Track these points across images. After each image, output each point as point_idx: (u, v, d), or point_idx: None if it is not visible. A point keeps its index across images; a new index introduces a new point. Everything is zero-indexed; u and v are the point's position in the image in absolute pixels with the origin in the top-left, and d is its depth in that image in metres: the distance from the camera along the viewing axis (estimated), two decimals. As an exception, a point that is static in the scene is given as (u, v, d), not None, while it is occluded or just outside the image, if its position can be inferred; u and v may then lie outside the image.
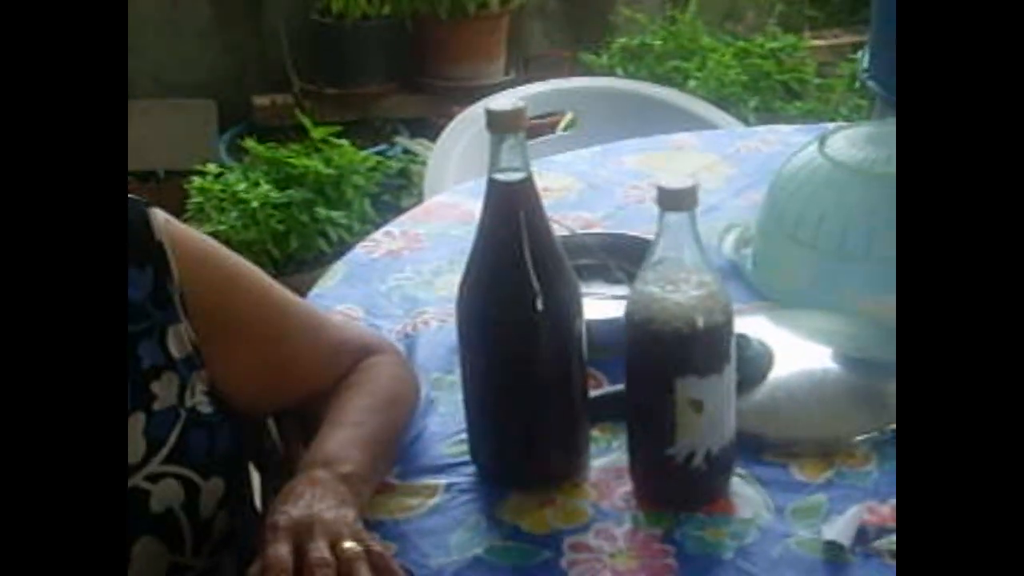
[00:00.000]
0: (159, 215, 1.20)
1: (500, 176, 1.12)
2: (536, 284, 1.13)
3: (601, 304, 1.29)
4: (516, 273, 1.13)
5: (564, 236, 1.41)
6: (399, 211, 2.25)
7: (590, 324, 1.19)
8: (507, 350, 1.17)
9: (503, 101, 1.11)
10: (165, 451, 1.16)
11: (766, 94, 3.15)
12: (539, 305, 1.13)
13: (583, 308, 1.18)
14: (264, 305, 1.26)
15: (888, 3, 1.65)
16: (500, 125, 1.10)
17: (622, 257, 1.43)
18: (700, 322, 1.10)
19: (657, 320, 1.11)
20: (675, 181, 1.09)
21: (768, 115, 3.04)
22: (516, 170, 1.11)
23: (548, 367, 1.17)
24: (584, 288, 1.22)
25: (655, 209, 1.10)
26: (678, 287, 1.11)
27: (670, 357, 1.12)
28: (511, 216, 1.13)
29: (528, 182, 1.13)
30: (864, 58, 1.67)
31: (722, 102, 2.94)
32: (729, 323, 1.13)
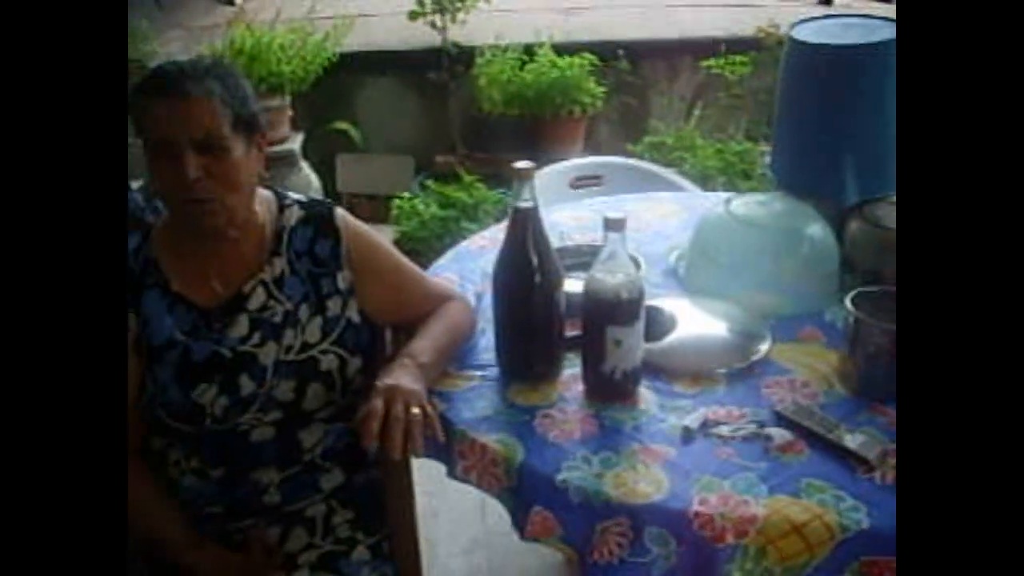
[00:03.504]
0: (338, 210, 1.23)
1: (519, 204, 1.14)
2: (536, 265, 1.14)
3: (577, 283, 1.30)
4: (524, 259, 1.15)
5: (562, 246, 1.40)
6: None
7: (568, 293, 1.19)
8: (518, 305, 1.18)
9: (523, 163, 1.13)
10: (332, 338, 1.20)
11: (731, 176, 3.07)
12: (536, 279, 1.15)
13: (563, 283, 1.18)
14: (393, 265, 1.28)
15: (781, 124, 1.61)
16: (519, 176, 1.13)
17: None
18: (624, 295, 1.11)
19: (600, 292, 1.12)
20: (613, 214, 1.10)
21: (732, 189, 2.98)
22: (527, 201, 1.13)
23: (541, 315, 1.18)
24: (569, 274, 1.21)
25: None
26: (613, 275, 1.12)
27: (605, 314, 1.13)
28: (524, 228, 1.14)
29: (535, 208, 1.13)
30: (768, 156, 1.65)
31: (704, 180, 2.91)
32: (641, 297, 1.12)
